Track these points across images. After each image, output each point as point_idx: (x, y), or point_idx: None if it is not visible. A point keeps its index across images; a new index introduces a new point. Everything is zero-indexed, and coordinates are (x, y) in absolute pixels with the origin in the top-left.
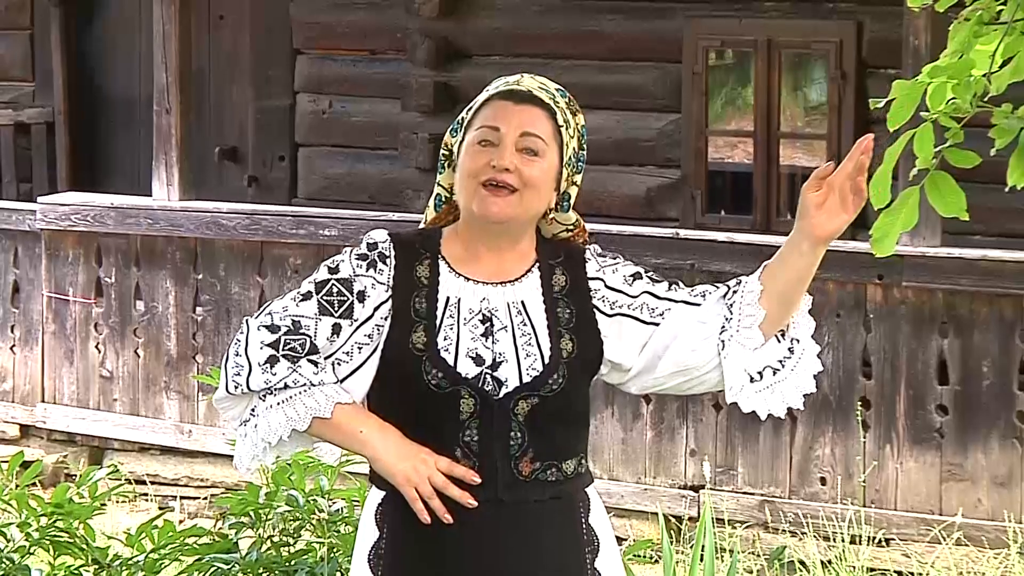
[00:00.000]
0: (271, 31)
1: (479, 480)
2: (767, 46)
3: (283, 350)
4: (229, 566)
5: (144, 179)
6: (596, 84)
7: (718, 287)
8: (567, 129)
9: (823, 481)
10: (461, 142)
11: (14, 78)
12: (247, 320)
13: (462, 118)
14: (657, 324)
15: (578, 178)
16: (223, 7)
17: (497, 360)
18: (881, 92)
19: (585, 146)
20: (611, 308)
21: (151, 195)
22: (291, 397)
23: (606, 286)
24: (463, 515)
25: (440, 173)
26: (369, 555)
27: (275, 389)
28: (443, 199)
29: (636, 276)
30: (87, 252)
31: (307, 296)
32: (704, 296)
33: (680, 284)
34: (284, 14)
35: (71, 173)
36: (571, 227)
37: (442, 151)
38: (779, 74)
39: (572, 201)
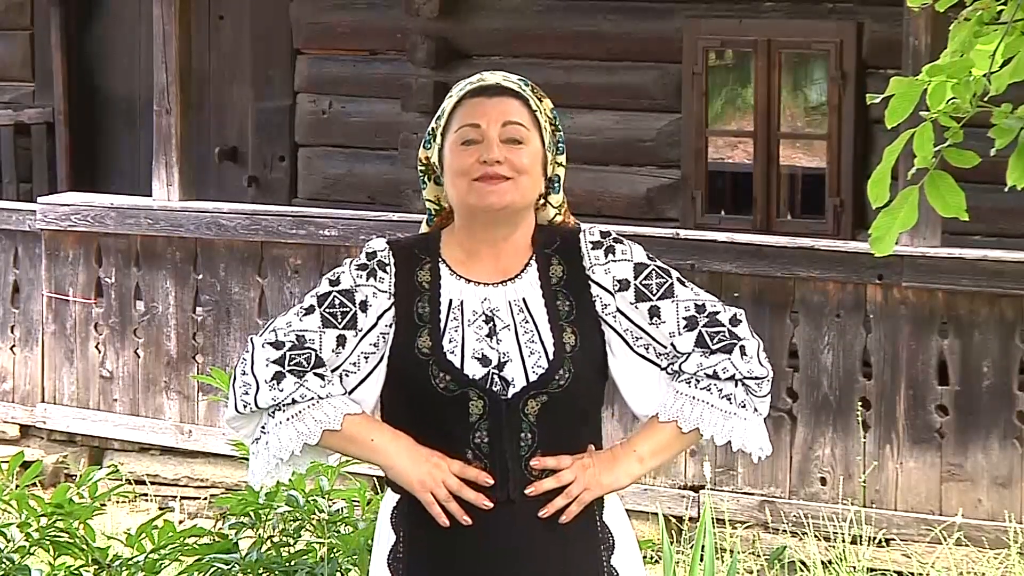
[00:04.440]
0: (271, 31)
1: (492, 481)
2: (767, 46)
3: (289, 366)
4: (229, 566)
5: (144, 179)
6: (596, 84)
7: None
8: (540, 114)
9: (823, 481)
10: (441, 149)
11: (14, 78)
12: (252, 339)
13: (432, 128)
14: (630, 348)
15: (562, 159)
16: (223, 7)
17: (502, 360)
18: (881, 92)
19: (560, 127)
20: (603, 310)
21: (151, 195)
22: (300, 412)
23: (599, 285)
24: (477, 516)
25: (423, 188)
26: (388, 558)
27: (283, 405)
28: (432, 213)
29: (624, 285)
30: (87, 252)
31: (310, 310)
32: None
33: (675, 292)
34: (284, 14)
35: (71, 173)
36: (560, 208)
37: (419, 166)
38: (779, 74)
39: (561, 182)
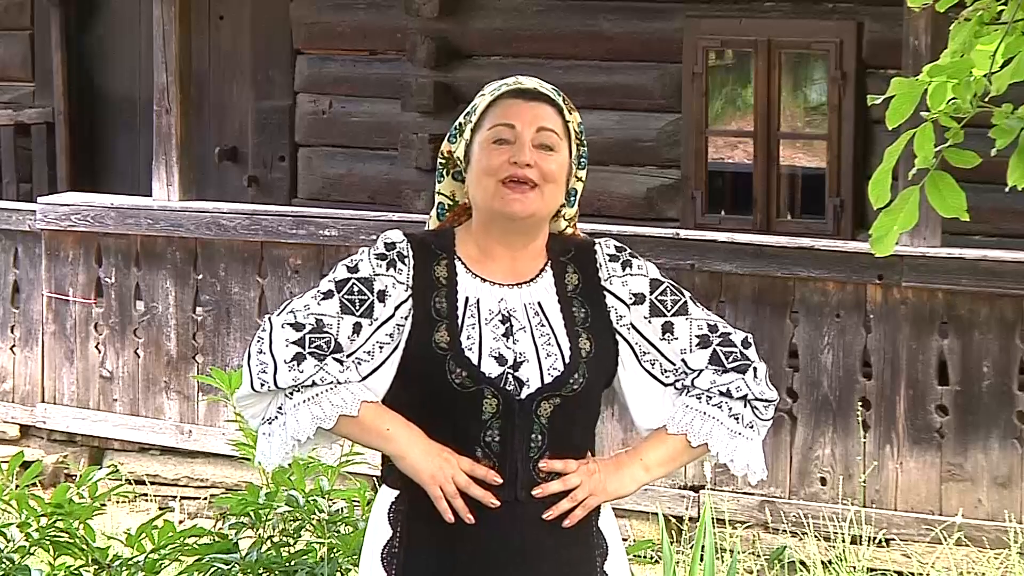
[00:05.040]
0: (271, 31)
1: (501, 481)
2: (767, 46)
3: (309, 348)
4: (229, 566)
5: (144, 179)
6: (596, 84)
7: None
8: (571, 125)
9: (823, 481)
10: (469, 144)
11: (14, 78)
12: (269, 318)
13: (461, 123)
14: (638, 362)
15: (582, 173)
16: (223, 7)
17: (518, 360)
18: (881, 92)
19: (585, 142)
20: (617, 321)
21: (151, 195)
22: (317, 395)
23: (615, 296)
24: (480, 514)
25: (439, 182)
26: (382, 554)
27: (302, 386)
28: (446, 207)
29: (640, 299)
30: (87, 252)
31: (328, 295)
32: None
33: (688, 310)
34: (284, 14)
35: (71, 173)
36: (570, 221)
37: (439, 159)
38: (779, 74)
39: (578, 197)
